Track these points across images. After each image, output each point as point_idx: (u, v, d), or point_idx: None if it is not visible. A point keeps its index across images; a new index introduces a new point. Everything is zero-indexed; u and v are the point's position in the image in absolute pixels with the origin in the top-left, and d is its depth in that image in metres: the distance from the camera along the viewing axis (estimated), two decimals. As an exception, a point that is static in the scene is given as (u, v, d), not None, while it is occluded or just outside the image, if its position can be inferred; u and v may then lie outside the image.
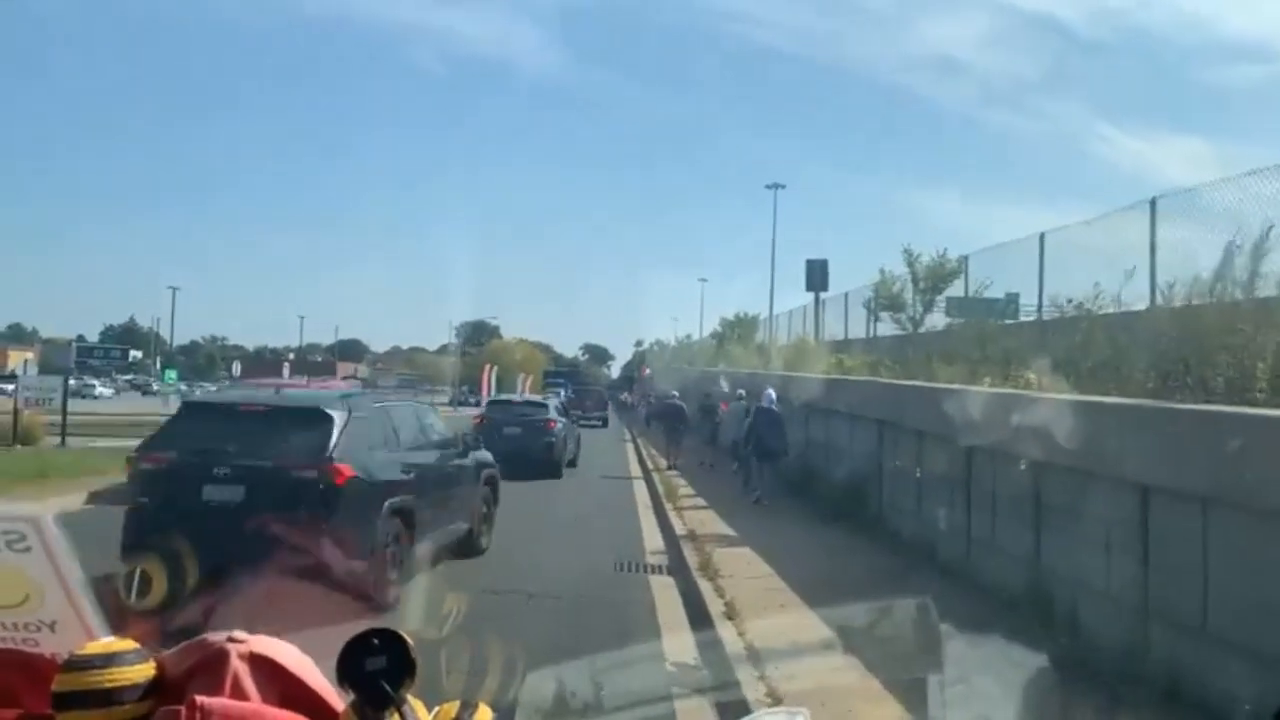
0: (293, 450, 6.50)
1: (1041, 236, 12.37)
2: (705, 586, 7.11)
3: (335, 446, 6.51)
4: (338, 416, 6.75)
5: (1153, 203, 9.57)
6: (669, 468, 17.47)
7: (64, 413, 19.27)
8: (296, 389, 10.69)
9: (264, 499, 6.17)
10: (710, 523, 10.84)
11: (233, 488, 6.31)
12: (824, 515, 10.89)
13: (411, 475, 7.36)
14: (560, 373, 63.84)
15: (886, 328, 17.16)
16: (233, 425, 6.81)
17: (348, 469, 6.46)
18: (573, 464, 19.12)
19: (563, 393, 41.64)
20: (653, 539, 10.69)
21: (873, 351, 13.51)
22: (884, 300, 12.36)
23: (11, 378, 23.49)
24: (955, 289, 13.53)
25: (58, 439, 18.78)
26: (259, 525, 5.73)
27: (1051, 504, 6.25)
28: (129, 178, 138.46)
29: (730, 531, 10.20)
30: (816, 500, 11.77)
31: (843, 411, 11.78)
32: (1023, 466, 6.54)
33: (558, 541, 10.21)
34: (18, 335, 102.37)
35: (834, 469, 11.84)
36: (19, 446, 18.05)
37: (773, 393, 13.70)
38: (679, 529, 10.25)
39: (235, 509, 6.17)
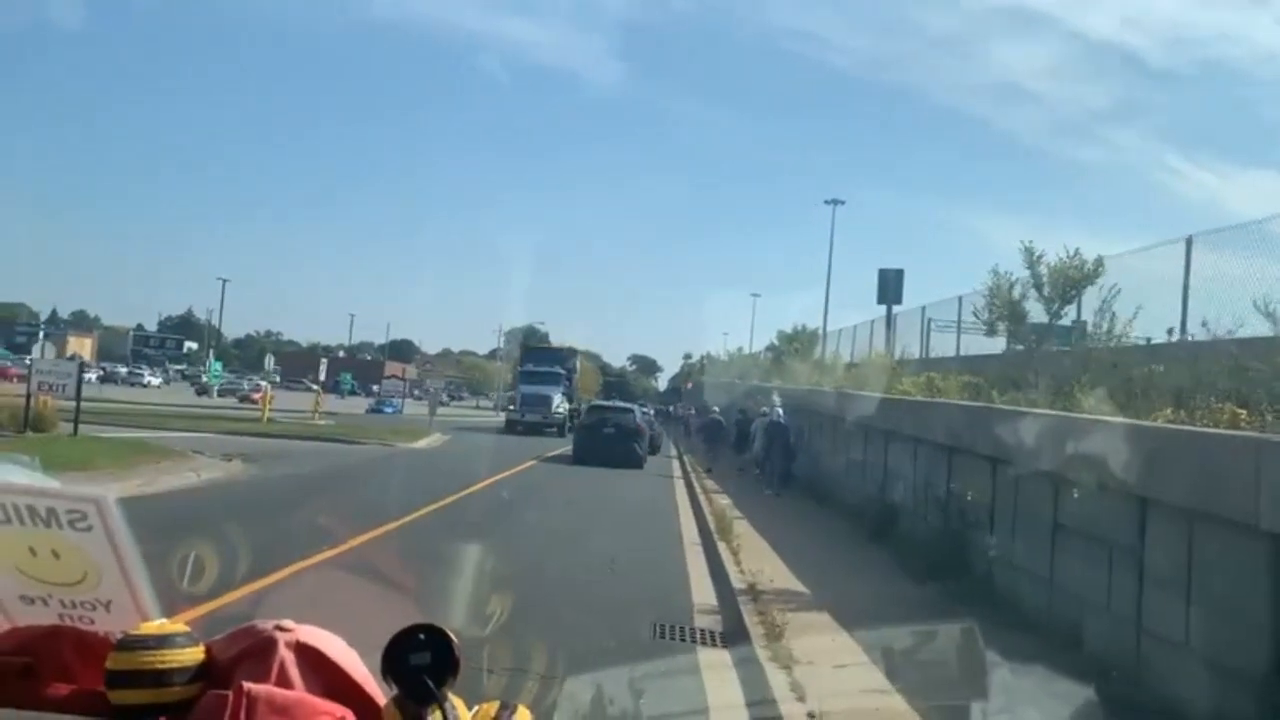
0: (627, 420, 23.84)
1: (1189, 240, 10.18)
2: (779, 682, 5.17)
3: (639, 418, 25.13)
4: (637, 409, 27.85)
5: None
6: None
7: (78, 400, 18.35)
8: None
9: (620, 432, 22.86)
10: (773, 568, 8.83)
11: (610, 429, 23.07)
12: (914, 570, 8.82)
13: (653, 429, 29.76)
14: (553, 352, 40.13)
15: (973, 343, 15.03)
16: (609, 411, 25.32)
17: (642, 425, 24.82)
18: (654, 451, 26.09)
19: (556, 395, 32.02)
20: (701, 585, 8.79)
21: (977, 369, 11.33)
22: (1000, 308, 10.08)
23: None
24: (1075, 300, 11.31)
25: (72, 426, 17.88)
26: (619, 439, 22.47)
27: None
28: (197, 174, 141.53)
29: (799, 587, 8.21)
30: (903, 549, 9.68)
31: (938, 441, 9.70)
32: (1248, 540, 4.51)
33: (586, 586, 8.37)
34: (81, 322, 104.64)
35: (924, 511, 9.77)
36: (30, 433, 17.27)
37: (780, 410, 17.58)
38: (734, 576, 8.31)
39: (612, 435, 22.72)
